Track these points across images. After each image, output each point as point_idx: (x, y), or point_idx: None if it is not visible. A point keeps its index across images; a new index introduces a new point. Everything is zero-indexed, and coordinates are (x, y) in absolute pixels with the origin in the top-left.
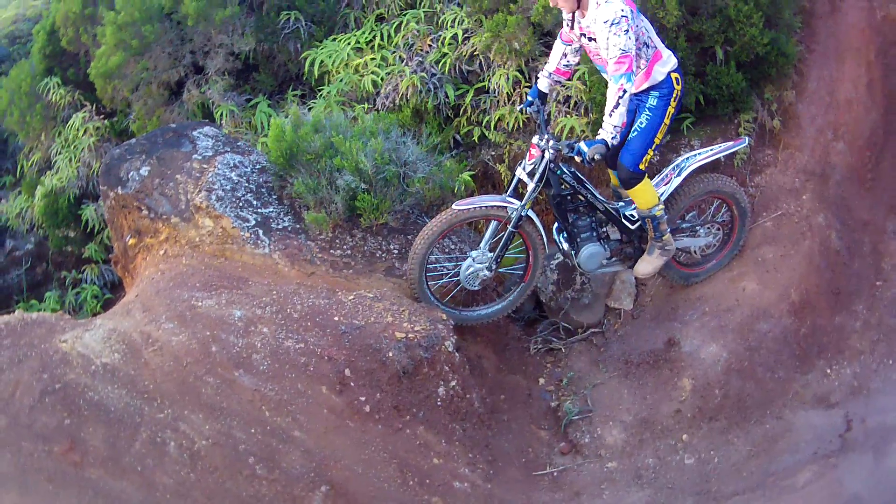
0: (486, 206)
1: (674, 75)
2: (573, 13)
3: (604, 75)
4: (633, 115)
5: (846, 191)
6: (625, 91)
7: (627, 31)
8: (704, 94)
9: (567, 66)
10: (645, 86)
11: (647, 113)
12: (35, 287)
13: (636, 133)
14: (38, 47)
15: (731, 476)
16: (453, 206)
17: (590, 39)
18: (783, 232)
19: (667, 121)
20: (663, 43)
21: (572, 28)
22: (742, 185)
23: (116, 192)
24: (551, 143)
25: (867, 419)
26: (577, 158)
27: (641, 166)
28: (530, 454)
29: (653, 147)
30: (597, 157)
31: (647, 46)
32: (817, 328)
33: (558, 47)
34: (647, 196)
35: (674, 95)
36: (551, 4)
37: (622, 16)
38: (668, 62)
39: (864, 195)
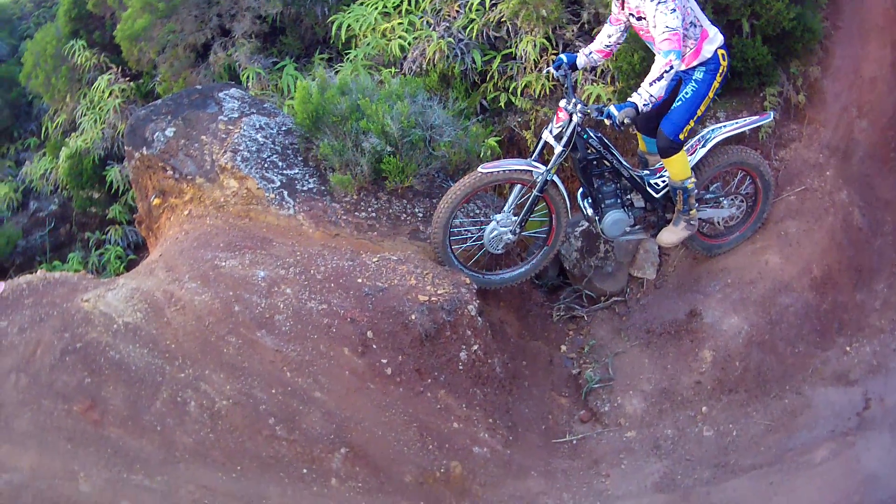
0: (511, 170)
1: (720, 52)
2: None
3: (652, 49)
4: (674, 86)
5: (869, 169)
6: (671, 66)
7: (675, 10)
8: (730, 66)
9: (608, 46)
10: (694, 63)
11: (693, 84)
12: (59, 248)
13: (680, 103)
14: (63, 10)
15: (749, 450)
16: (478, 170)
17: (638, 19)
18: (806, 207)
19: (711, 94)
20: (709, 20)
21: (623, 8)
22: (766, 159)
23: (141, 152)
24: (579, 106)
25: (886, 398)
26: (607, 122)
27: (681, 136)
28: (550, 421)
29: (694, 118)
30: (626, 120)
31: (694, 26)
32: (838, 305)
33: (606, 29)
34: (681, 167)
35: (720, 71)
36: None
37: None
38: (714, 39)
39: (887, 174)
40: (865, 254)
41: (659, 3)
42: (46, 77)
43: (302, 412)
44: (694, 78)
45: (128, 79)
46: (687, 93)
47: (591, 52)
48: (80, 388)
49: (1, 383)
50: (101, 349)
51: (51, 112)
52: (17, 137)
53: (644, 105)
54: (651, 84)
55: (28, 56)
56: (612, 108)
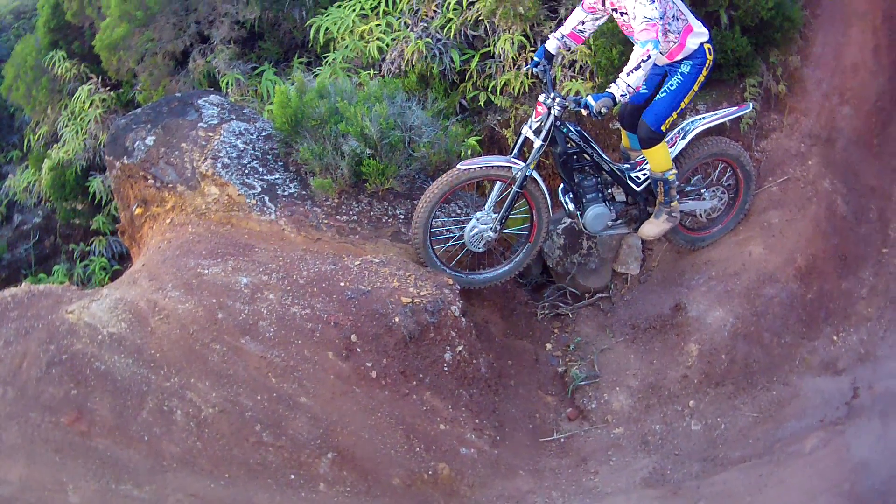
0: (490, 166)
1: (706, 45)
2: None
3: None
4: (659, 80)
5: (852, 156)
6: (649, 56)
7: (653, 1)
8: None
9: (581, 32)
10: (679, 56)
11: (679, 77)
12: (43, 260)
13: (664, 94)
14: (42, 21)
15: (738, 442)
16: (457, 167)
17: (621, 14)
18: (789, 196)
19: (695, 88)
20: (693, 14)
21: (604, 3)
22: (748, 150)
23: (122, 162)
24: (557, 99)
25: (874, 385)
26: (584, 112)
27: (663, 127)
28: (537, 420)
29: (678, 110)
30: (604, 110)
31: (677, 19)
32: (824, 294)
33: (578, 14)
34: (662, 158)
35: (706, 65)
36: None
37: None
38: (699, 34)
39: (871, 160)
40: (850, 241)
41: None
42: (27, 89)
43: (288, 417)
44: (680, 71)
45: (108, 88)
46: (672, 84)
47: (563, 36)
48: (67, 399)
49: None
50: (86, 360)
51: (32, 124)
52: (0, 151)
53: (622, 95)
54: (628, 74)
55: (8, 68)
56: (590, 99)
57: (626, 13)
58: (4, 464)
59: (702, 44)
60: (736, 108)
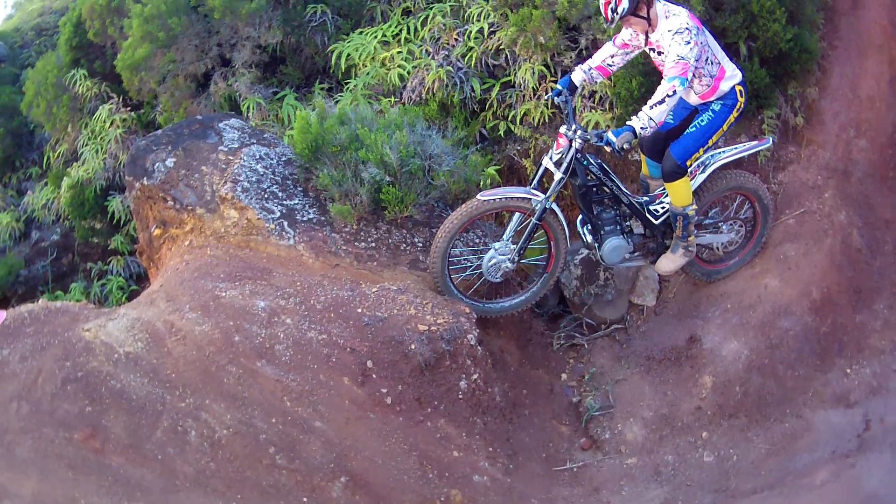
0: (510, 198)
1: (738, 88)
2: (646, 32)
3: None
4: (688, 115)
5: (868, 188)
6: (675, 92)
7: (689, 42)
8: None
9: (610, 66)
10: (711, 98)
11: (710, 114)
12: (61, 278)
13: (694, 129)
14: (64, 39)
15: (750, 474)
16: (477, 197)
17: (659, 53)
18: (805, 229)
19: (725, 127)
20: (727, 56)
21: (646, 43)
22: (765, 182)
23: (142, 182)
24: (579, 132)
25: (886, 418)
26: (607, 148)
27: (688, 163)
28: (551, 449)
29: (704, 147)
30: (626, 145)
31: (711, 63)
32: (838, 326)
33: (608, 48)
34: (684, 193)
35: (737, 106)
36: (625, 28)
37: (686, 28)
38: (732, 77)
39: (886, 193)
40: (865, 274)
41: (676, 33)
42: (48, 106)
43: (302, 441)
44: (711, 108)
45: (129, 108)
46: (702, 120)
47: (590, 69)
48: (82, 416)
49: (3, 411)
50: (102, 378)
51: (52, 141)
52: (19, 167)
53: (642, 128)
54: (651, 107)
55: (29, 85)
56: (610, 134)
57: (662, 52)
58: (17, 478)
59: (734, 86)
60: (756, 142)
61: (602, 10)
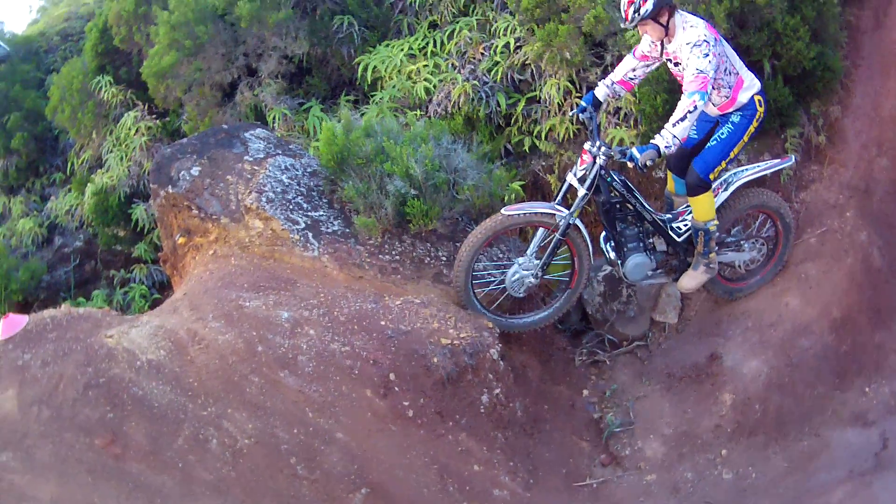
0: (534, 213)
1: (757, 98)
2: (661, 40)
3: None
4: (710, 128)
5: (889, 207)
6: (696, 107)
7: (707, 54)
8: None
9: (632, 79)
10: (731, 109)
11: (730, 126)
12: (83, 284)
13: (715, 143)
14: (90, 45)
15: (768, 492)
16: (501, 212)
17: (675, 64)
18: (826, 248)
19: (745, 138)
20: (746, 65)
21: (661, 54)
22: (787, 201)
23: (167, 190)
24: (603, 149)
25: None
26: (630, 164)
27: (711, 176)
28: (571, 465)
29: (726, 160)
30: (649, 162)
31: (730, 74)
32: (857, 346)
33: (629, 61)
34: (707, 207)
35: (756, 116)
36: (640, 33)
37: (704, 40)
38: (751, 87)
39: None
40: (885, 294)
41: (695, 46)
42: (72, 112)
43: (323, 452)
44: (731, 120)
45: (154, 116)
46: (723, 133)
47: (612, 83)
48: (103, 422)
49: (23, 415)
50: (123, 385)
51: (77, 147)
52: (43, 172)
53: (666, 147)
54: (674, 125)
55: (55, 90)
56: (635, 151)
57: (680, 63)
58: (36, 482)
59: (752, 96)
60: (778, 160)
61: (623, 10)
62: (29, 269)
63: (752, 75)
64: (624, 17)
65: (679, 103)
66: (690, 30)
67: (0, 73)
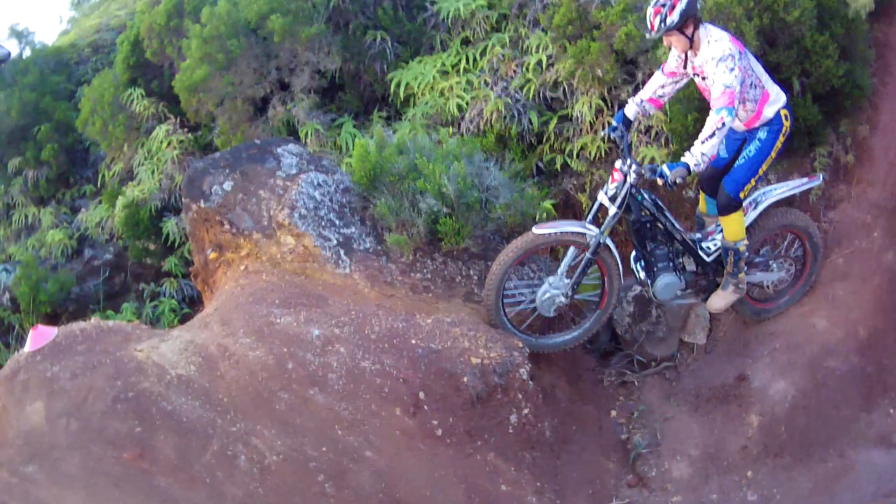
0: (565, 232)
1: (783, 112)
2: (685, 53)
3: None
4: (739, 145)
5: None
6: (724, 124)
7: (733, 69)
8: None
9: (661, 96)
10: (756, 124)
11: (757, 143)
12: (112, 297)
13: (743, 161)
14: (121, 57)
15: None
16: (532, 231)
17: (703, 78)
18: (854, 268)
19: (773, 154)
20: (771, 79)
21: (685, 67)
22: (816, 221)
23: (199, 205)
24: (633, 167)
25: None
26: (660, 181)
27: (742, 195)
28: (598, 485)
29: (756, 177)
30: (678, 180)
31: (755, 87)
32: (883, 367)
33: (658, 78)
34: (737, 227)
35: (783, 131)
36: (665, 44)
37: (729, 54)
38: (776, 101)
39: None
40: None
41: (720, 61)
42: (103, 124)
43: (352, 470)
44: (758, 137)
45: (186, 130)
46: (750, 151)
47: (642, 101)
48: (131, 435)
49: (51, 427)
50: (153, 399)
51: (108, 160)
52: (73, 184)
53: (696, 165)
54: (703, 142)
55: (85, 102)
56: (665, 168)
57: (706, 77)
58: (63, 494)
59: (778, 110)
60: (806, 179)
61: (650, 20)
62: (58, 280)
63: (778, 88)
64: (650, 27)
65: (707, 120)
66: (715, 44)
67: (30, 84)
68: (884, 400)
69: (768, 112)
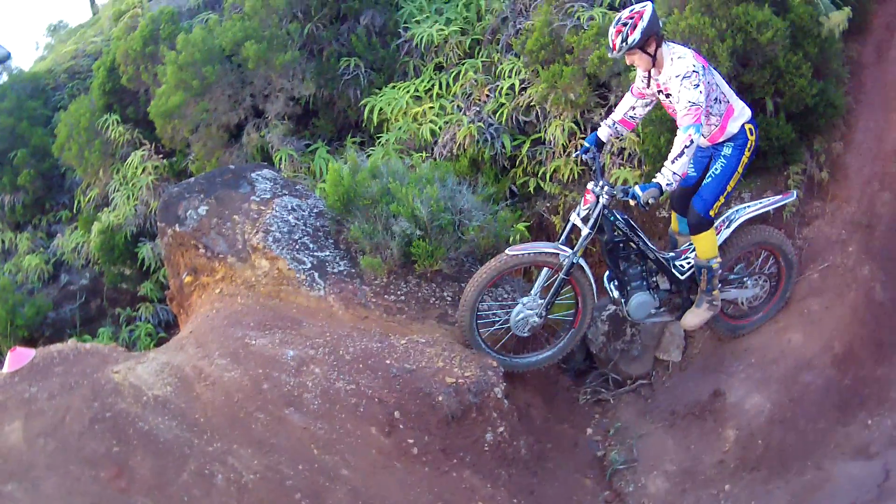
0: (538, 253)
1: (748, 126)
2: (649, 71)
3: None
4: (706, 162)
5: (892, 242)
6: (692, 141)
7: (698, 85)
8: (758, 141)
9: (633, 118)
10: (720, 139)
11: (722, 160)
12: (89, 322)
13: (710, 179)
14: (97, 83)
15: None
16: (505, 252)
17: (666, 95)
18: (829, 283)
19: (740, 170)
20: (736, 94)
21: (648, 85)
22: (790, 238)
23: (174, 229)
24: (606, 188)
25: None
26: (632, 202)
27: (711, 213)
28: (574, 502)
29: (724, 194)
30: (651, 200)
31: (719, 102)
32: (859, 379)
33: (628, 100)
34: (709, 245)
35: (748, 146)
36: (628, 63)
37: (693, 71)
38: (741, 116)
39: None
40: (887, 327)
41: (684, 78)
42: (80, 150)
43: (328, 489)
44: (722, 154)
45: (161, 156)
46: (716, 169)
47: (614, 123)
48: (108, 455)
49: (29, 447)
50: (130, 419)
51: (83, 185)
52: (50, 209)
53: (668, 184)
54: (673, 161)
55: (62, 127)
56: (637, 189)
57: (670, 94)
58: None
59: (743, 125)
60: (780, 196)
61: (611, 40)
62: (34, 305)
63: (743, 104)
64: (611, 46)
65: (675, 139)
66: (679, 61)
67: (7, 109)
68: (860, 412)
69: (732, 127)
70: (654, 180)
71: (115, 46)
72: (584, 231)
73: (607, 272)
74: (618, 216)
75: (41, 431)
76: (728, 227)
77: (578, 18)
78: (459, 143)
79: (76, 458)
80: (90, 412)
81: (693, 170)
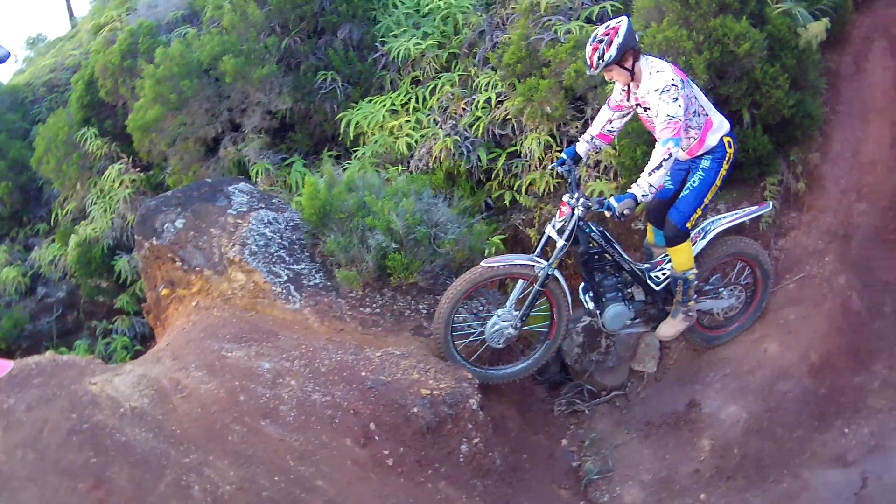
0: (513, 265)
1: (726, 139)
2: (628, 84)
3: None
4: (684, 175)
5: (868, 251)
6: (670, 155)
7: (677, 98)
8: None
9: (610, 131)
10: (699, 152)
11: (700, 173)
12: (65, 335)
13: (688, 191)
14: (76, 97)
15: None
16: (481, 264)
17: (644, 109)
18: (805, 293)
19: (718, 182)
20: (715, 107)
21: (628, 98)
22: (767, 248)
23: (151, 242)
24: (581, 199)
25: (883, 476)
26: (608, 213)
27: (688, 225)
28: None
29: (702, 207)
30: (626, 211)
31: (698, 115)
32: (836, 388)
33: (605, 113)
34: (685, 257)
35: (727, 158)
36: (607, 78)
37: (672, 84)
38: (719, 128)
39: (886, 255)
40: (864, 336)
41: (663, 91)
42: (57, 163)
43: (304, 499)
44: (701, 166)
45: (138, 169)
46: (694, 181)
47: (592, 138)
48: (86, 466)
49: (8, 458)
50: (107, 431)
51: (61, 199)
52: (27, 222)
53: (643, 196)
54: (650, 174)
55: (40, 140)
56: (612, 201)
57: (649, 108)
58: None
59: (721, 138)
60: (756, 207)
61: (588, 57)
62: (12, 317)
63: (722, 117)
64: (589, 63)
65: (654, 152)
66: (657, 75)
67: None
68: (838, 420)
69: (711, 140)
70: (629, 191)
71: (93, 60)
72: (560, 243)
73: (582, 284)
74: (593, 228)
75: (20, 443)
76: (704, 237)
77: (556, 32)
78: (435, 157)
79: (54, 469)
80: (68, 424)
81: (670, 182)
